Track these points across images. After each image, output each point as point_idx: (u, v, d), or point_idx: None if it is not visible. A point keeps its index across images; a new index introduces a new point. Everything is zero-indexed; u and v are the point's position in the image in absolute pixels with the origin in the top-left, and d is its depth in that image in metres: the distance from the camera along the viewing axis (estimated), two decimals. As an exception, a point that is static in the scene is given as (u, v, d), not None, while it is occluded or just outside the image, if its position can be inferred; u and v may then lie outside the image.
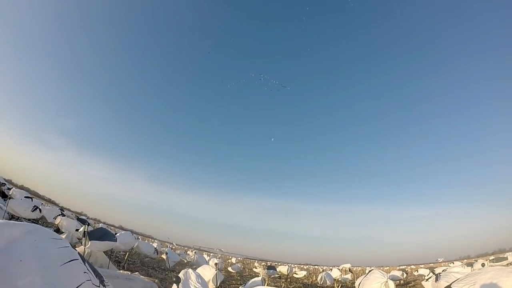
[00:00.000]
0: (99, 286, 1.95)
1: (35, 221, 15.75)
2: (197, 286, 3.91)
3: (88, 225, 8.73)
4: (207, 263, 16.80)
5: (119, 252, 14.83)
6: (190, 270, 4.22)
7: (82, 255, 7.21)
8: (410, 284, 22.53)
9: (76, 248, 8.47)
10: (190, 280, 3.99)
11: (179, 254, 29.75)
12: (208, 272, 7.37)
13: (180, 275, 4.09)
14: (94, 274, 2.00)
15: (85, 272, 1.78)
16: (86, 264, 1.97)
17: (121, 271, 5.45)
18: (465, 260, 42.25)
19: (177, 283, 3.53)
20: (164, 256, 16.41)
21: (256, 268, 31.66)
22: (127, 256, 15.56)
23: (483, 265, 18.68)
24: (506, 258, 24.63)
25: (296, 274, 25.25)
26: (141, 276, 4.41)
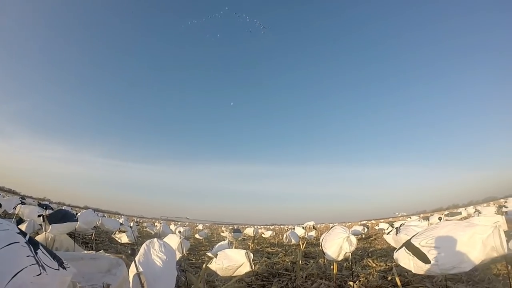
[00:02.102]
0: (58, 269, 1.81)
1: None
2: (160, 255, 3.71)
3: (46, 209, 8.32)
4: (172, 232, 16.74)
5: (86, 233, 14.40)
6: (155, 239, 4.01)
7: (45, 241, 6.93)
8: (372, 238, 23.81)
9: (38, 235, 8.17)
10: (153, 250, 3.79)
11: (145, 227, 29.51)
12: (173, 241, 7.27)
13: (143, 245, 3.89)
14: (51, 256, 1.85)
15: (28, 256, 1.61)
16: (40, 247, 1.81)
17: (86, 251, 5.24)
18: (422, 215, 45.08)
19: (133, 255, 3.34)
20: (117, 234, 16.05)
21: (223, 232, 32.17)
22: (94, 236, 15.16)
23: (440, 219, 20.00)
24: (460, 213, 26.50)
25: (263, 234, 25.95)
26: (107, 254, 4.19)
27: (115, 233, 15.97)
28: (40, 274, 1.61)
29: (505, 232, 3.39)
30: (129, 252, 3.25)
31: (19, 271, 1.49)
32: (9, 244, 1.55)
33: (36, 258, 1.67)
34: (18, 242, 1.63)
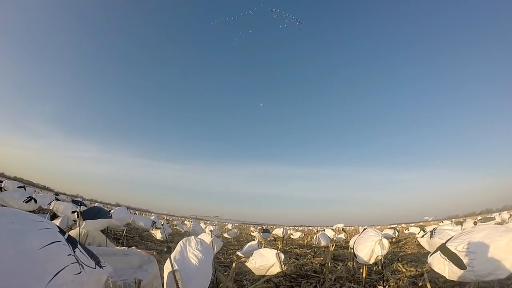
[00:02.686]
0: (95, 268, 1.89)
1: (30, 212, 15.50)
2: (196, 253, 3.73)
3: (81, 206, 8.60)
4: (203, 231, 16.95)
5: (118, 229, 14.89)
6: (192, 237, 4.05)
7: (78, 236, 7.24)
8: (402, 242, 23.21)
9: (72, 230, 8.52)
10: (189, 247, 3.81)
11: (175, 225, 30.00)
12: (205, 239, 7.38)
13: (180, 243, 3.95)
14: (89, 255, 1.92)
15: (69, 255, 1.66)
16: (79, 246, 1.88)
17: (118, 247, 5.43)
18: (454, 219, 43.50)
19: (169, 253, 3.44)
20: (153, 231, 16.43)
21: (252, 232, 32.26)
22: (125, 232, 15.61)
23: (475, 223, 19.20)
24: (494, 218, 25.27)
25: (292, 235, 25.82)
26: (138, 250, 4.34)
27: (152, 229, 16.37)
28: (80, 272, 1.67)
29: None
30: (165, 249, 3.34)
31: (61, 270, 1.54)
32: (51, 243, 1.60)
33: (76, 256, 1.73)
34: (60, 241, 1.69)
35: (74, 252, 1.76)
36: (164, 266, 3.50)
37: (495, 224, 21.68)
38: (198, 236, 7.89)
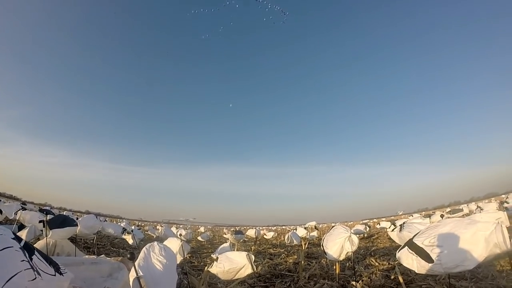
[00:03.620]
0: (54, 275, 1.78)
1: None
2: (160, 259, 3.66)
3: (47, 214, 8.28)
4: (175, 235, 16.69)
5: (87, 238, 14.42)
6: (155, 243, 3.97)
7: (46, 246, 6.89)
8: (374, 237, 23.75)
9: (39, 240, 8.14)
10: (153, 253, 3.74)
11: (147, 230, 29.44)
12: (174, 244, 7.24)
13: (143, 249, 3.85)
14: (47, 262, 1.81)
15: (23, 261, 1.57)
16: (36, 253, 1.76)
17: (87, 256, 5.22)
18: (423, 212, 45.04)
19: (132, 259, 3.31)
20: (125, 236, 16.08)
21: (225, 234, 32.12)
22: (95, 240, 15.14)
23: (442, 216, 19.90)
24: (462, 210, 26.42)
25: (266, 235, 25.89)
26: (108, 258, 4.16)
27: (124, 234, 15.97)
28: (35, 278, 1.58)
29: (507, 228, 3.37)
30: (128, 256, 3.21)
31: (13, 276, 1.46)
32: (3, 249, 1.52)
33: (31, 263, 1.63)
34: (12, 247, 1.59)
35: (31, 259, 1.66)
36: (130, 273, 3.37)
37: (462, 215, 22.64)
38: (167, 240, 7.76)
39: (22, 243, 1.74)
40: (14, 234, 1.77)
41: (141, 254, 3.76)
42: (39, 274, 1.63)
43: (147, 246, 3.95)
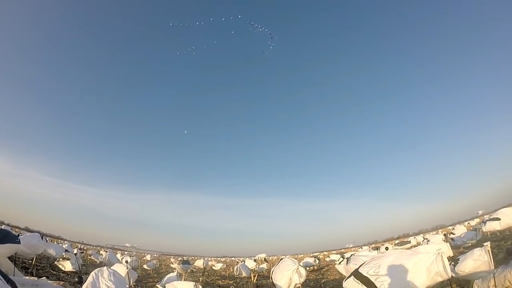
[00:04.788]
0: None
1: None
2: (109, 284, 3.46)
3: None
4: (119, 261, 15.80)
5: (26, 257, 13.21)
6: (104, 268, 3.77)
7: None
8: (323, 269, 23.87)
9: None
10: (101, 278, 3.53)
11: (90, 255, 27.64)
12: (120, 271, 6.86)
13: (92, 273, 3.63)
14: (5, 280, 1.80)
15: None
16: None
17: (27, 277, 4.82)
18: (373, 245, 46.35)
19: (80, 283, 3.08)
20: (61, 261, 14.98)
21: (172, 264, 31.03)
22: (34, 261, 13.90)
23: (386, 248, 20.62)
24: (409, 242, 27.63)
25: (214, 266, 25.26)
26: (49, 281, 3.92)
27: (58, 260, 14.79)
28: None
29: (451, 257, 3.56)
30: (76, 279, 2.99)
31: None
32: None
33: None
34: None
35: None
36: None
37: (410, 247, 23.56)
38: (114, 266, 7.29)
39: None
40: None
41: (89, 278, 3.62)
42: None
43: (95, 270, 3.80)
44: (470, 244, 19.11)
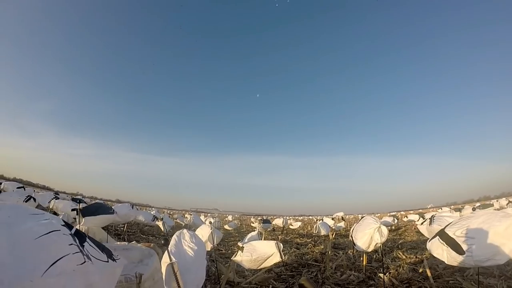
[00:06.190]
0: (107, 261, 1.83)
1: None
2: (191, 246, 3.78)
3: (80, 203, 8.47)
4: (203, 223, 17.03)
5: (118, 225, 14.94)
6: (184, 230, 4.08)
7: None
8: (401, 229, 23.27)
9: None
10: (183, 240, 3.86)
11: (176, 218, 30.07)
12: (204, 232, 7.37)
13: (174, 236, 3.99)
14: (100, 249, 1.87)
15: (71, 244, 1.58)
16: (88, 239, 1.82)
17: (118, 243, 5.43)
18: (453, 206, 43.65)
19: (166, 245, 3.45)
20: (158, 222, 16.62)
21: (252, 223, 32.29)
22: (126, 228, 15.71)
23: (474, 209, 19.23)
24: (492, 205, 25.35)
25: (292, 225, 25.91)
26: (138, 244, 4.36)
27: (157, 221, 16.49)
28: (84, 262, 1.59)
29: None
30: (162, 242, 3.35)
31: (59, 259, 1.46)
32: (49, 232, 1.53)
33: (80, 248, 1.65)
34: (59, 230, 1.62)
35: (83, 246, 1.70)
36: (162, 259, 3.51)
37: (493, 210, 21.70)
38: (199, 228, 7.94)
39: (73, 230, 1.79)
40: (65, 222, 1.85)
41: (172, 241, 3.87)
42: (89, 259, 1.65)
43: (177, 233, 4.05)
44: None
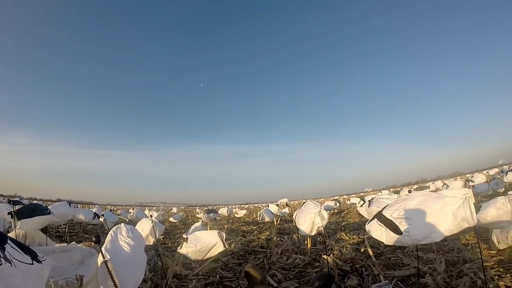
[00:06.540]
0: (31, 263, 1.78)
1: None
2: (128, 241, 3.49)
3: (16, 205, 7.81)
4: (147, 217, 16.49)
5: (59, 226, 13.90)
6: (122, 225, 3.79)
7: (15, 238, 6.50)
8: (344, 212, 24.40)
9: (9, 233, 7.73)
10: (120, 236, 3.54)
11: (119, 214, 28.89)
12: (145, 225, 7.10)
13: (110, 231, 3.67)
14: (23, 251, 1.81)
15: None
16: (9, 241, 1.77)
17: (57, 245, 5.00)
18: (391, 189, 46.56)
19: (98, 242, 3.15)
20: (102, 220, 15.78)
21: (198, 214, 32.02)
22: (67, 228, 14.69)
23: (409, 191, 20.60)
24: (429, 187, 27.24)
25: (237, 214, 26.05)
26: (78, 245, 3.98)
27: (100, 218, 15.64)
28: (1, 265, 1.52)
29: (474, 204, 3.45)
30: (94, 239, 3.05)
31: None
32: None
33: (5, 253, 1.60)
34: None
35: (3, 248, 1.64)
36: (98, 258, 3.22)
37: (428, 192, 23.43)
38: (140, 222, 7.58)
39: None
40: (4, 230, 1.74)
41: (108, 237, 3.58)
42: (8, 261, 1.57)
43: (114, 228, 3.78)
44: (490, 193, 19.07)
